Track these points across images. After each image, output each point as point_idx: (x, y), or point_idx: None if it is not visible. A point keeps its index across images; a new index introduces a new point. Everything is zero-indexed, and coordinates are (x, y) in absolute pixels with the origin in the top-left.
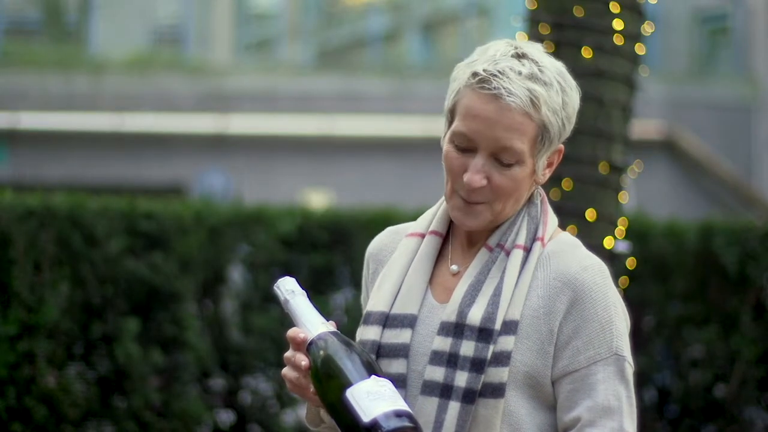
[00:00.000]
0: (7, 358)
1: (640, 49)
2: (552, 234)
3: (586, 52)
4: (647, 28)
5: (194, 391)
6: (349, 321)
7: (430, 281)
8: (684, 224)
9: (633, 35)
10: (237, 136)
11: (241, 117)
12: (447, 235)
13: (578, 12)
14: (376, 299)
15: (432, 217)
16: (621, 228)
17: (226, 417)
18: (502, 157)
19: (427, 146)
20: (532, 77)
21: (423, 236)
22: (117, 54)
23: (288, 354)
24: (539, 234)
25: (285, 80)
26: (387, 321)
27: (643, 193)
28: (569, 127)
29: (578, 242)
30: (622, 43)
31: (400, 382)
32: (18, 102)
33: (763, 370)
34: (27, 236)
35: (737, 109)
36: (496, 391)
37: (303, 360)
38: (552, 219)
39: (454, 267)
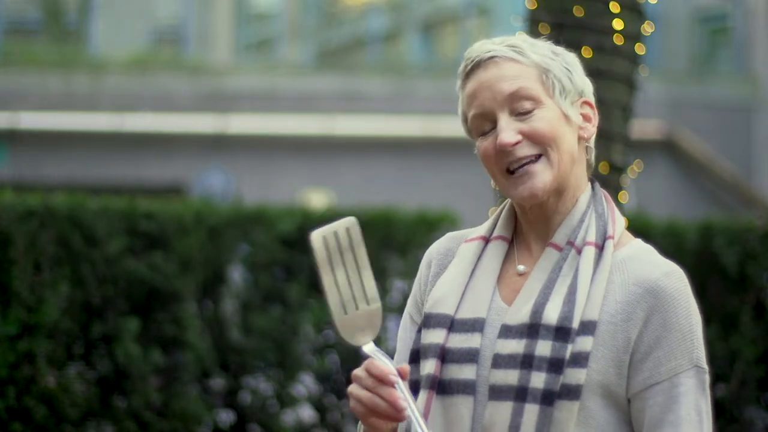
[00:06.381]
0: (7, 358)
1: (640, 49)
2: (621, 236)
3: (586, 52)
4: (647, 28)
5: (194, 391)
6: None
7: (497, 284)
8: (684, 224)
9: (633, 35)
10: (237, 136)
11: (241, 117)
12: (511, 240)
13: (578, 12)
14: (435, 301)
15: (493, 224)
16: None
17: (226, 417)
18: (519, 106)
19: (427, 146)
20: (508, 40)
21: (485, 239)
22: (117, 54)
23: (369, 383)
24: (609, 232)
25: (285, 80)
26: (453, 325)
27: (643, 193)
28: (578, 78)
29: (652, 248)
30: (622, 43)
31: (469, 387)
32: (18, 102)
33: (763, 370)
34: (27, 236)
35: (737, 109)
36: (572, 393)
37: (401, 400)
38: (620, 218)
39: (520, 267)
